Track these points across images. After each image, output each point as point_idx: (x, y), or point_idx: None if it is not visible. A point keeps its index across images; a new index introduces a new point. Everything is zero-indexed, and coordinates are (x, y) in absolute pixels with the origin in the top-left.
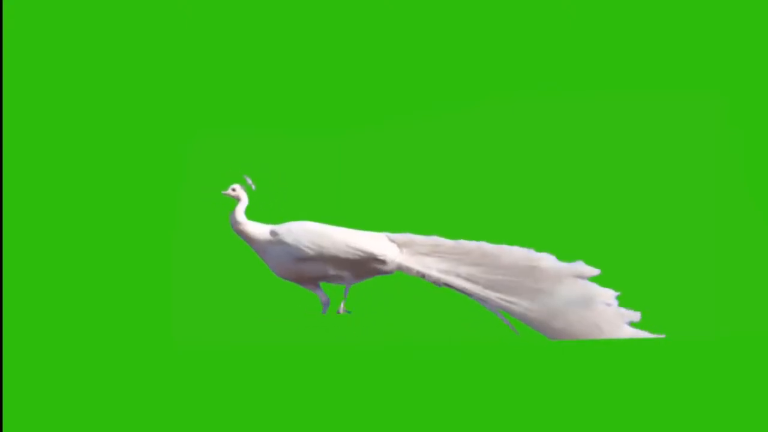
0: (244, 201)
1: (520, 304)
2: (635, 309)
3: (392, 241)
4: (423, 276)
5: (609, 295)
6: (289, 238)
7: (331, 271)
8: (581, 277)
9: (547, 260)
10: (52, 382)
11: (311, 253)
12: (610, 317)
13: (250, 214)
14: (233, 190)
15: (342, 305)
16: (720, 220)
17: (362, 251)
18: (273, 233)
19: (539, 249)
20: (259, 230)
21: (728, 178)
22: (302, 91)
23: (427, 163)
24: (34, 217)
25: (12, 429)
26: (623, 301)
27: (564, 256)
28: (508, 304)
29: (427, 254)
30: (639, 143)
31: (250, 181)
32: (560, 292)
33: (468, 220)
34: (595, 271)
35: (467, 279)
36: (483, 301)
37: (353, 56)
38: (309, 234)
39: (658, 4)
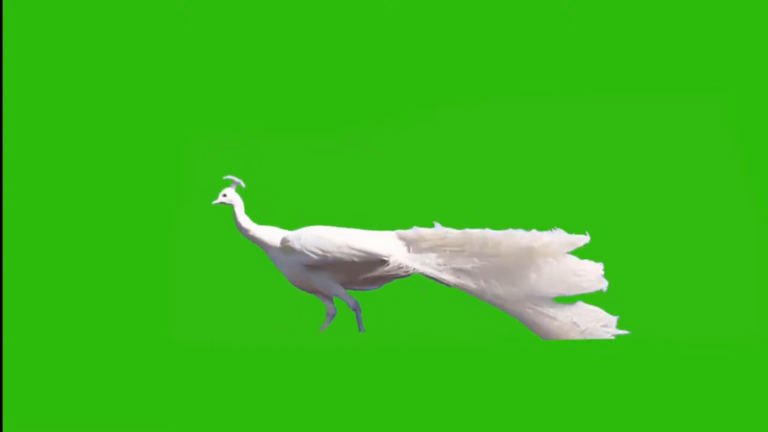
0: (239, 204)
1: (510, 297)
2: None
3: (402, 237)
4: (421, 273)
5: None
6: (296, 244)
7: (346, 277)
8: (574, 246)
9: (543, 238)
10: (52, 381)
11: (315, 258)
12: (587, 317)
13: (253, 218)
14: (224, 195)
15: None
16: (719, 221)
17: (364, 252)
18: (283, 241)
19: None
20: (272, 237)
21: (728, 180)
22: (301, 93)
23: (426, 164)
24: (34, 218)
25: (12, 427)
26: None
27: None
28: (500, 302)
29: (431, 249)
30: (639, 146)
31: (237, 180)
32: (554, 270)
33: (468, 220)
34: (585, 239)
35: (463, 270)
36: (479, 296)
37: (352, 57)
38: (315, 238)
39: (658, 8)
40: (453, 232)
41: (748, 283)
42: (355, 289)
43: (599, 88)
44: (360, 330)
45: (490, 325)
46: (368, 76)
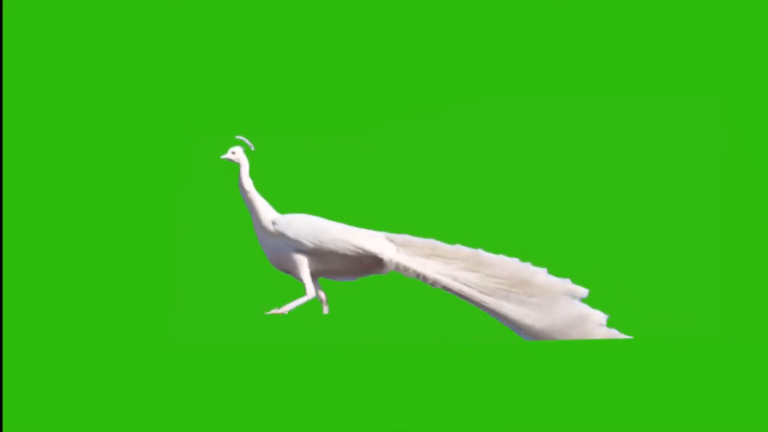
0: (245, 164)
1: (516, 310)
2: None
3: (391, 240)
4: (419, 276)
5: (600, 317)
6: (289, 231)
7: (328, 267)
8: (572, 295)
9: (540, 276)
10: (51, 381)
11: (310, 246)
12: (603, 334)
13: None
14: (233, 153)
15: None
16: (718, 223)
17: (361, 249)
18: (274, 223)
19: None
20: (265, 210)
21: (727, 182)
22: (301, 93)
23: (426, 164)
24: (33, 217)
25: (12, 426)
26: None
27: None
28: (503, 310)
29: (424, 256)
30: (638, 147)
31: (247, 141)
32: (553, 308)
33: (467, 220)
34: (584, 292)
35: (464, 283)
36: (479, 304)
37: (352, 57)
38: (309, 228)
39: (656, 9)
40: (444, 246)
41: (748, 283)
42: (331, 279)
43: (597, 89)
44: (283, 310)
45: (489, 325)
46: (368, 76)
